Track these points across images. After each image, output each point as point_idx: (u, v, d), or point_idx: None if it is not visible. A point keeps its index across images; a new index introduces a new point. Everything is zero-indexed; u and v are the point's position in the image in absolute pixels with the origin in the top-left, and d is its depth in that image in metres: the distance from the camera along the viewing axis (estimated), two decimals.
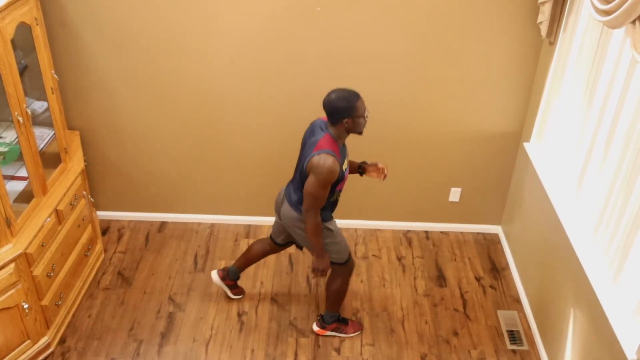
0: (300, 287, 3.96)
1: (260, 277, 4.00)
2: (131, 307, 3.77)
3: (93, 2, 3.59)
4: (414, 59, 3.77)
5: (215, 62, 3.80)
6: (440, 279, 4.08)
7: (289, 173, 3.46)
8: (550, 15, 3.37)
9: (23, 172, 3.30)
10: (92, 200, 3.99)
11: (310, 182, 2.94)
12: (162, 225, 4.45)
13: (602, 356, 2.77)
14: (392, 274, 4.10)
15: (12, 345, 3.18)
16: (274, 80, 3.86)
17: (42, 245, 3.26)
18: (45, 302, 3.33)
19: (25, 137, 3.16)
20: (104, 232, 4.36)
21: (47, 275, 3.31)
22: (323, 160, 2.88)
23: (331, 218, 3.23)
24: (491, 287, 4.03)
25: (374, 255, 4.25)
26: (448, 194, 4.34)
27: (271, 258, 4.16)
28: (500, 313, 3.82)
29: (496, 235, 4.48)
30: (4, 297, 3.03)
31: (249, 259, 3.65)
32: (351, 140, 3.89)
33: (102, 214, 4.45)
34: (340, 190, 3.13)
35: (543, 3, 3.41)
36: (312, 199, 2.96)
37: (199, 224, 4.47)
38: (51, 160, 3.53)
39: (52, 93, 3.45)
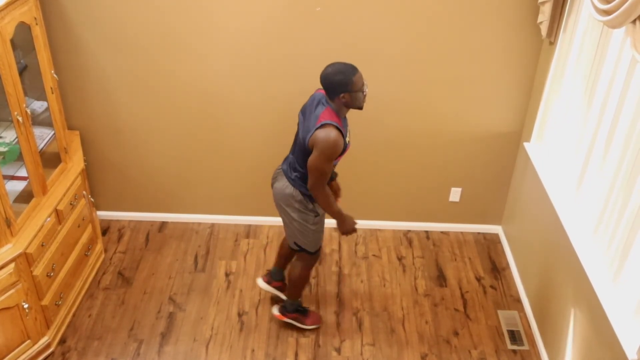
0: None
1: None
2: (131, 307, 3.77)
3: (93, 2, 3.59)
4: (414, 58, 3.77)
5: (215, 62, 3.80)
6: (441, 278, 4.08)
7: None
8: (550, 15, 3.37)
9: (23, 172, 3.30)
10: (92, 200, 3.99)
11: (314, 156, 2.90)
12: (163, 225, 4.45)
13: (602, 356, 2.77)
14: (392, 273, 4.10)
15: (12, 345, 3.18)
16: (274, 80, 3.86)
17: (42, 245, 3.26)
18: (46, 302, 3.33)
19: (25, 137, 3.16)
20: (104, 232, 4.36)
21: (47, 275, 3.31)
22: (327, 133, 2.84)
23: None
24: (491, 287, 4.02)
25: (374, 255, 4.25)
26: (448, 194, 4.34)
27: (270, 258, 4.16)
28: (500, 313, 3.82)
29: (496, 235, 4.47)
30: (4, 297, 3.03)
31: (284, 255, 3.63)
32: (352, 140, 3.89)
33: (102, 214, 4.45)
34: (336, 163, 3.10)
35: (543, 3, 3.41)
36: (317, 173, 2.93)
37: (199, 223, 4.47)
38: (51, 160, 3.53)
39: (52, 93, 3.45)
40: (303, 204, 3.14)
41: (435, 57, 3.76)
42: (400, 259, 4.23)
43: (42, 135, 3.56)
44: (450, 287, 4.01)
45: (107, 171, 4.26)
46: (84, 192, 3.79)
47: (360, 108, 2.95)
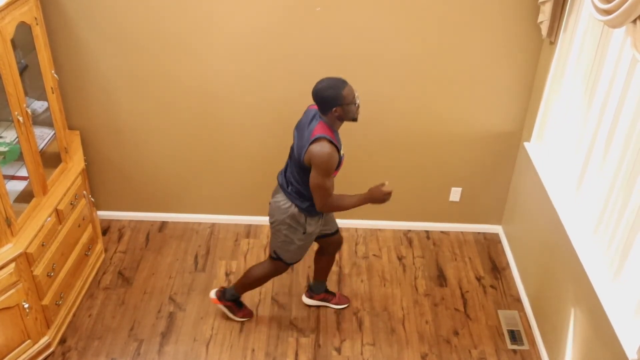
0: (300, 287, 3.95)
1: None
2: (132, 306, 3.77)
3: (93, 2, 3.59)
4: (414, 58, 3.77)
5: (215, 62, 3.80)
6: (441, 278, 4.08)
7: None
8: (550, 14, 3.37)
9: (23, 172, 3.30)
10: (92, 200, 3.99)
11: (314, 175, 2.92)
12: (163, 225, 4.45)
13: (602, 356, 2.77)
14: (392, 273, 4.10)
15: (12, 345, 3.18)
16: (274, 80, 3.86)
17: (43, 245, 3.26)
18: (46, 301, 3.33)
19: (25, 137, 3.16)
20: (105, 231, 4.36)
21: (48, 275, 3.31)
22: (320, 147, 2.86)
23: (318, 214, 3.20)
24: (492, 286, 4.02)
25: (374, 255, 4.25)
26: (448, 194, 4.34)
27: None
28: (500, 313, 3.82)
29: (496, 235, 4.47)
30: (4, 296, 3.03)
31: (320, 268, 3.63)
32: (351, 140, 3.90)
33: (103, 214, 4.45)
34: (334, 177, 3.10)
35: (543, 3, 3.41)
36: (321, 191, 2.94)
37: (200, 223, 4.47)
38: (51, 160, 3.53)
39: (52, 93, 3.45)
40: (295, 219, 3.15)
41: (435, 56, 3.76)
42: (400, 258, 4.23)
43: (43, 135, 3.56)
44: (451, 287, 4.01)
45: (108, 171, 4.26)
46: (84, 192, 3.79)
47: (355, 120, 2.97)
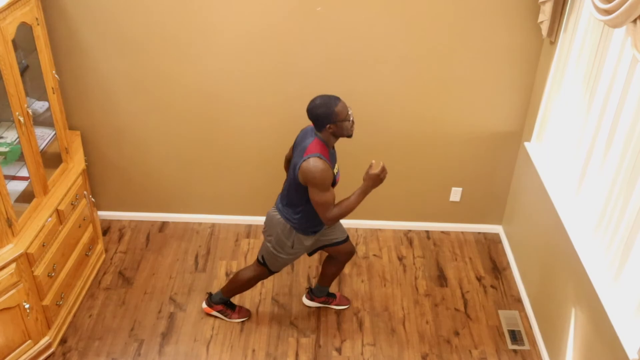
0: (301, 287, 3.96)
1: None
2: (132, 307, 3.77)
3: (94, 2, 3.59)
4: (414, 58, 3.77)
5: (215, 63, 3.80)
6: (441, 278, 4.08)
7: None
8: (551, 14, 3.37)
9: (24, 172, 3.30)
10: (93, 200, 3.99)
11: (312, 192, 2.95)
12: (163, 225, 4.45)
13: (603, 356, 2.77)
14: (392, 273, 4.10)
15: (13, 345, 3.18)
16: (274, 81, 3.86)
17: (43, 245, 3.26)
18: (46, 302, 3.33)
19: (26, 137, 3.16)
20: (105, 232, 4.36)
21: (48, 275, 3.31)
22: (313, 163, 2.89)
23: (311, 233, 3.21)
24: (492, 286, 4.02)
25: (374, 255, 4.25)
26: (449, 194, 4.34)
27: None
28: (501, 313, 3.82)
29: (497, 235, 4.47)
30: (5, 297, 3.03)
31: (327, 273, 3.61)
32: (352, 140, 3.90)
33: (103, 214, 4.45)
34: None
35: (544, 2, 3.41)
36: (323, 206, 2.96)
37: (200, 223, 4.47)
38: (52, 160, 3.53)
39: (53, 93, 3.46)
40: (286, 234, 3.19)
41: (436, 57, 3.77)
42: (400, 258, 4.23)
43: (43, 136, 3.56)
44: (451, 287, 4.01)
45: (108, 171, 4.26)
46: (85, 192, 3.79)
47: (350, 136, 2.98)
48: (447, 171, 4.23)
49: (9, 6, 2.90)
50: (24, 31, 3.12)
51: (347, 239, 3.44)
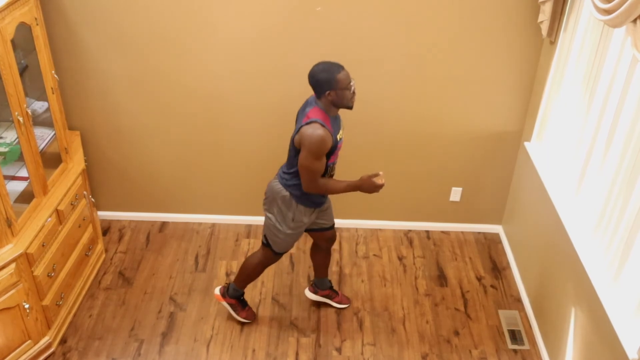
0: (301, 287, 3.96)
1: (261, 277, 3.99)
2: (132, 307, 3.77)
3: (93, 2, 3.59)
4: (414, 58, 3.77)
5: (215, 63, 3.80)
6: (441, 278, 4.08)
7: None
8: (550, 14, 3.37)
9: (24, 172, 3.30)
10: (92, 200, 3.99)
11: (302, 155, 2.91)
12: (163, 225, 4.45)
13: (603, 355, 2.77)
14: (393, 273, 4.10)
15: (13, 345, 3.18)
16: (274, 81, 3.86)
17: (43, 246, 3.26)
18: (46, 302, 3.33)
19: (25, 137, 3.16)
20: (105, 232, 4.36)
21: (48, 275, 3.31)
22: (312, 130, 2.85)
23: (311, 205, 3.17)
24: (492, 286, 4.02)
25: (374, 255, 4.25)
26: (449, 194, 4.34)
27: None
28: (501, 312, 3.82)
29: (497, 234, 4.47)
30: (4, 297, 3.03)
31: (318, 264, 3.63)
32: (352, 141, 3.90)
33: (103, 214, 4.45)
34: (334, 164, 3.09)
35: (543, 2, 3.41)
36: (307, 171, 2.94)
37: (200, 224, 4.47)
38: (52, 160, 3.53)
39: (53, 93, 3.46)
40: (286, 204, 3.15)
41: (436, 56, 3.76)
42: (400, 258, 4.23)
43: (43, 136, 3.56)
44: (451, 287, 4.01)
45: (108, 171, 4.26)
46: (85, 192, 3.79)
47: (350, 107, 2.94)
48: (447, 171, 4.22)
49: (7, 6, 2.90)
50: (23, 31, 3.12)
51: (332, 226, 3.46)
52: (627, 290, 2.66)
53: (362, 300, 3.87)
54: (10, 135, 3.38)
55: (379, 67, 3.80)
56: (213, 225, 4.46)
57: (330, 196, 3.38)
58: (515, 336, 3.65)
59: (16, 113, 3.05)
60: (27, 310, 3.16)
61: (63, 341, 3.53)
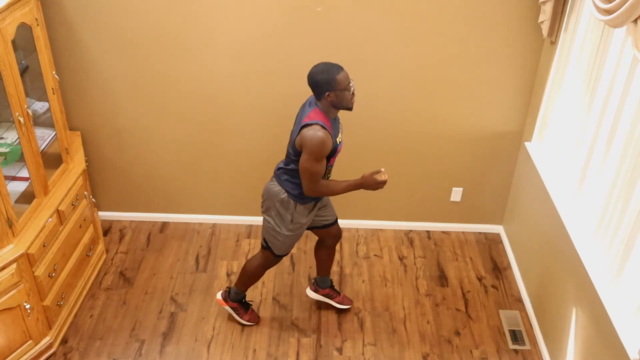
0: (301, 287, 3.96)
1: (262, 277, 3.98)
2: (133, 307, 3.77)
3: (94, 3, 3.59)
4: (415, 58, 3.77)
5: (215, 63, 3.80)
6: (442, 278, 4.08)
7: None
8: (551, 14, 3.37)
9: (24, 173, 3.31)
10: (93, 200, 3.99)
11: (303, 158, 2.91)
12: (164, 225, 4.45)
13: (604, 356, 2.77)
14: (393, 273, 4.10)
15: (14, 345, 3.19)
16: (275, 82, 3.86)
17: (44, 246, 3.26)
18: (47, 302, 3.33)
19: (26, 138, 3.16)
20: (106, 232, 4.36)
21: (49, 276, 3.32)
22: (313, 132, 2.85)
23: (309, 202, 3.17)
24: (493, 286, 4.02)
25: (375, 255, 4.25)
26: (449, 194, 4.34)
27: None
28: (502, 313, 3.82)
29: (498, 235, 4.47)
30: (5, 297, 3.03)
31: (321, 262, 3.62)
32: (352, 141, 3.90)
33: (104, 214, 4.45)
34: (331, 166, 3.09)
35: (544, 2, 3.41)
36: (308, 174, 2.93)
37: (201, 224, 4.47)
38: (52, 160, 3.53)
39: (53, 93, 3.46)
40: (284, 205, 3.15)
41: (437, 57, 3.76)
42: (401, 258, 4.23)
43: (44, 136, 3.56)
44: (452, 287, 4.01)
45: (109, 171, 4.26)
46: (85, 193, 3.79)
47: (350, 109, 2.94)
48: (447, 171, 4.22)
49: (8, 7, 2.90)
50: (24, 32, 3.12)
51: (336, 220, 3.45)
52: (628, 290, 2.66)
53: (363, 301, 3.87)
54: (11, 136, 3.38)
55: (379, 68, 3.80)
56: (214, 225, 4.47)
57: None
58: (516, 336, 3.65)
59: (17, 113, 3.05)
60: (28, 311, 3.16)
61: (64, 341, 3.53)
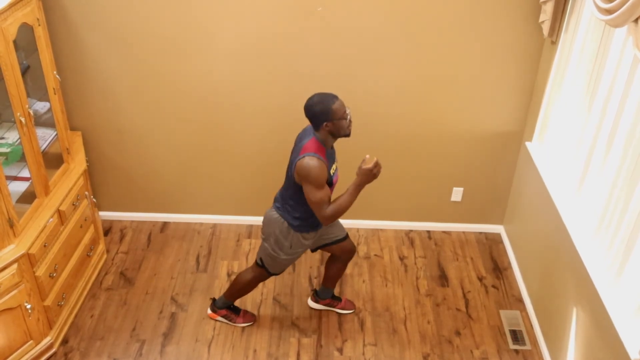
0: (302, 287, 3.96)
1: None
2: (133, 307, 3.77)
3: (95, 3, 3.60)
4: (416, 59, 3.77)
5: (216, 63, 3.80)
6: (443, 278, 4.08)
7: None
8: (552, 14, 3.37)
9: (25, 173, 3.31)
10: (94, 200, 3.99)
11: (306, 191, 2.94)
12: (164, 225, 4.45)
13: (604, 356, 2.77)
14: (394, 273, 4.10)
15: (15, 345, 3.19)
16: (275, 81, 3.86)
17: (45, 246, 3.26)
18: (48, 302, 3.33)
19: (27, 138, 3.16)
20: (106, 232, 4.36)
21: (50, 276, 3.32)
22: (307, 162, 2.88)
23: (311, 230, 3.19)
24: (493, 286, 4.02)
25: (376, 255, 4.25)
26: (450, 194, 4.34)
27: None
28: (502, 313, 3.82)
29: (498, 234, 4.47)
30: (6, 297, 3.03)
31: (330, 275, 3.62)
32: (352, 140, 3.90)
33: (105, 214, 4.46)
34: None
35: (545, 2, 3.41)
36: (317, 204, 2.94)
37: (201, 224, 4.48)
38: (53, 160, 3.53)
39: (54, 94, 3.46)
40: (284, 234, 3.17)
41: (438, 56, 3.76)
42: (402, 258, 4.23)
43: (45, 136, 3.56)
44: (452, 287, 4.01)
45: (109, 172, 4.27)
46: (86, 193, 3.79)
47: (347, 135, 2.96)
48: (448, 171, 4.22)
49: (10, 7, 2.91)
50: (25, 32, 3.13)
51: (346, 236, 3.44)
52: (629, 290, 2.66)
53: (364, 301, 3.87)
54: (12, 136, 3.38)
55: (380, 68, 3.80)
56: (214, 225, 4.47)
57: None
58: (516, 336, 3.65)
59: (18, 114, 3.06)
60: (29, 311, 3.16)
61: (65, 341, 3.53)
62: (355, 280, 4.02)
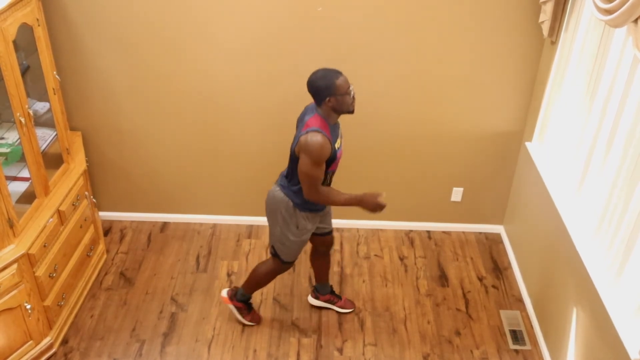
0: (302, 287, 3.96)
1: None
2: (133, 307, 3.77)
3: (95, 3, 3.60)
4: (415, 59, 3.77)
5: (216, 64, 3.80)
6: (443, 278, 4.08)
7: None
8: (551, 14, 3.37)
9: (25, 173, 3.31)
10: (94, 200, 3.99)
11: (301, 162, 2.91)
12: (164, 225, 4.45)
13: (604, 356, 2.77)
14: (394, 273, 4.10)
15: (14, 345, 3.19)
16: (275, 81, 3.86)
17: (45, 246, 3.26)
18: (48, 302, 3.33)
19: (27, 138, 3.16)
20: (106, 232, 4.36)
21: (50, 276, 3.32)
22: (310, 137, 2.85)
23: (314, 211, 3.19)
24: (493, 286, 4.02)
25: (376, 255, 4.25)
26: (450, 194, 4.34)
27: None
28: (502, 313, 3.82)
29: (498, 235, 4.47)
30: (6, 297, 3.03)
31: (318, 269, 3.64)
32: (352, 141, 3.90)
33: (105, 215, 4.45)
34: (333, 172, 3.09)
35: (545, 2, 3.41)
36: (307, 178, 2.93)
37: (201, 224, 4.48)
38: (53, 161, 3.54)
39: (54, 94, 3.46)
40: (289, 212, 3.15)
41: (438, 56, 3.76)
42: (402, 259, 4.23)
43: (44, 136, 3.56)
44: (452, 287, 4.01)
45: (109, 172, 4.27)
46: (86, 193, 3.79)
47: (351, 112, 2.95)
48: (448, 171, 4.22)
49: (9, 7, 2.91)
50: (25, 32, 3.13)
51: (331, 231, 3.48)
52: (629, 290, 2.66)
53: (363, 301, 3.87)
54: (12, 136, 3.39)
55: (380, 68, 3.80)
56: (214, 225, 4.47)
57: None
58: (516, 336, 3.65)
59: (18, 114, 3.06)
60: (29, 311, 3.16)
61: (65, 342, 3.53)
62: (355, 280, 4.03)
